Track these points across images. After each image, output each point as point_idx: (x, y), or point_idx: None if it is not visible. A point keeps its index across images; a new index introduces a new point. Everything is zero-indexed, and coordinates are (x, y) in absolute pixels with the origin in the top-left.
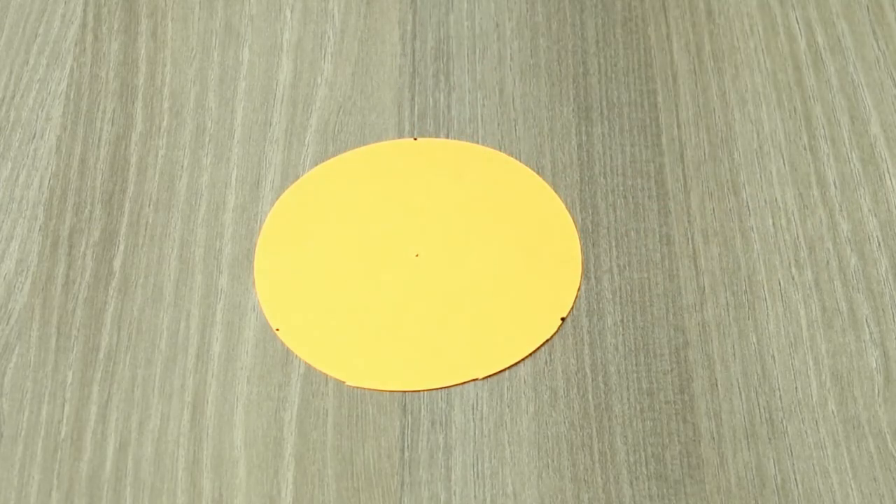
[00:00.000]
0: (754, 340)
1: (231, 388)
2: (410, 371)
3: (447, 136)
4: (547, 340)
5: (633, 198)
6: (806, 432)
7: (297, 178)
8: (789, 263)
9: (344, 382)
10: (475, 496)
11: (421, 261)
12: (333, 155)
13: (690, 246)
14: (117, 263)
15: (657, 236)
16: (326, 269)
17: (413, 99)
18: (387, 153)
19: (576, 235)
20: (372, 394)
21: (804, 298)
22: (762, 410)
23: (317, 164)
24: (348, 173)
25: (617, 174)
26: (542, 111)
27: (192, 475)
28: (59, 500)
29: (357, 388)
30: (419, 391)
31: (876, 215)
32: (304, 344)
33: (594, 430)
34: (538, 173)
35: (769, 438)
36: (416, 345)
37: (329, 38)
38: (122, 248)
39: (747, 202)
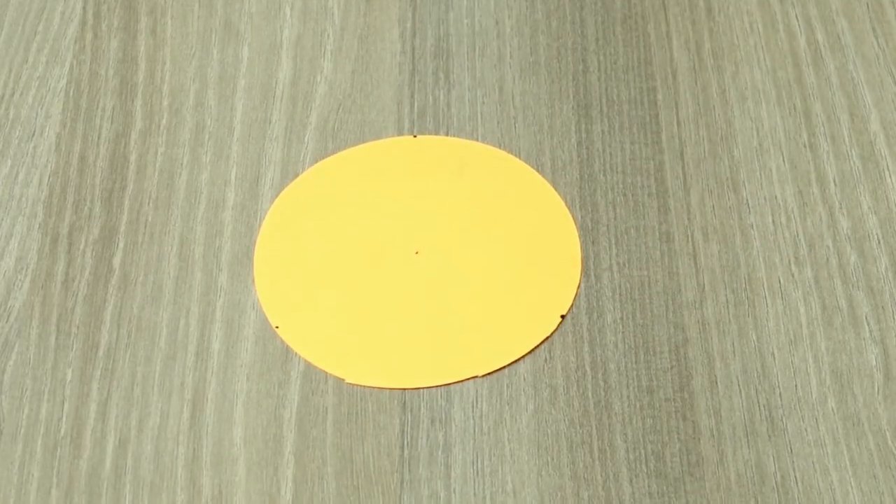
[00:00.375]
0: (754, 338)
1: (231, 386)
2: (410, 368)
3: (447, 134)
4: (547, 338)
5: (632, 195)
6: (806, 430)
7: (296, 175)
8: (789, 261)
9: (343, 380)
10: (475, 494)
11: (421, 258)
12: (333, 153)
13: (690, 243)
14: (117, 261)
15: (657, 234)
16: (326, 267)
17: (413, 96)
18: (387, 151)
19: (575, 233)
20: (371, 391)
21: (804, 296)
22: (762, 408)
23: (316, 162)
24: (348, 171)
25: (616, 172)
26: (541, 109)
27: (192, 472)
28: (58, 497)
29: (357, 385)
30: (419, 388)
31: (876, 213)
32: (303, 341)
33: (594, 427)
34: (538, 171)
35: (769, 436)
36: (416, 342)
37: (329, 35)
38: (121, 245)
39: (747, 200)
